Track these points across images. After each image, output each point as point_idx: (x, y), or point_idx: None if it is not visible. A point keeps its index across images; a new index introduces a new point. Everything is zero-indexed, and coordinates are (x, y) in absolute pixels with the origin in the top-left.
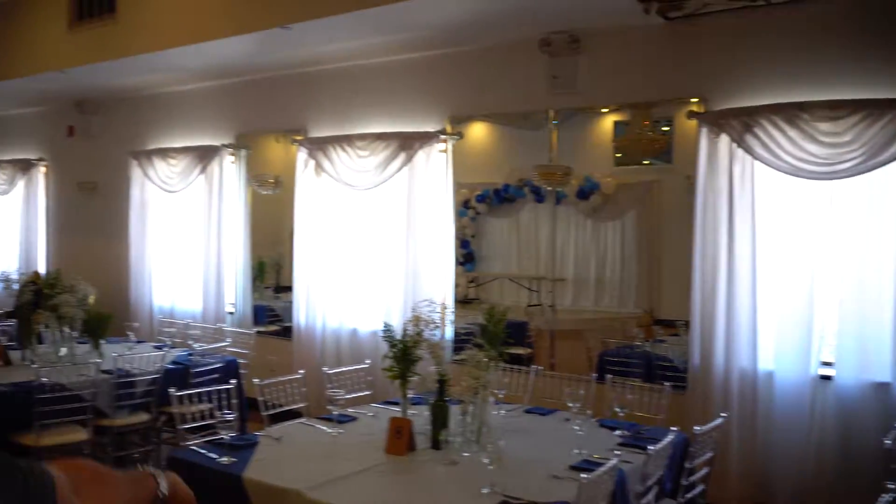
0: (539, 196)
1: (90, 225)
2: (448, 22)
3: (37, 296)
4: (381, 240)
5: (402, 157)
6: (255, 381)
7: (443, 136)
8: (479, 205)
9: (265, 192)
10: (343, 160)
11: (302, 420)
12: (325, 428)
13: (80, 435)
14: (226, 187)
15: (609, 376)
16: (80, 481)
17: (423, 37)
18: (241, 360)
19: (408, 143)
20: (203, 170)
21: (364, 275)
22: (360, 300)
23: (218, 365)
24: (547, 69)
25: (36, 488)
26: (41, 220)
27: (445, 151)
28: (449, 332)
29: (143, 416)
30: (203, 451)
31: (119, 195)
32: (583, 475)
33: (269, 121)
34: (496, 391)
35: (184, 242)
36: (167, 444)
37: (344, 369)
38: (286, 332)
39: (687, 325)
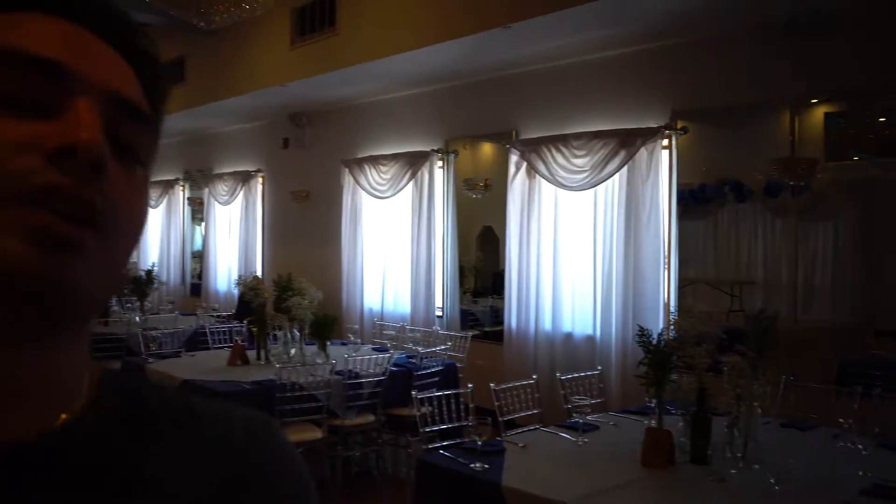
0: (740, 196)
1: (303, 231)
2: (679, 9)
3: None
4: (594, 241)
5: (622, 154)
6: (492, 385)
7: (667, 132)
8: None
9: (475, 196)
10: (558, 161)
11: (540, 427)
12: (567, 436)
13: (316, 433)
14: (435, 192)
15: (877, 390)
16: None
17: (644, 29)
18: (459, 365)
19: (629, 141)
20: (412, 175)
21: (578, 278)
22: (574, 304)
23: (439, 368)
24: (787, 54)
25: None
26: (258, 227)
27: (669, 147)
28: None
29: (369, 418)
30: (451, 455)
31: (331, 202)
32: None
33: (478, 124)
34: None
35: (393, 247)
36: (388, 445)
37: (576, 375)
38: (487, 337)
39: None
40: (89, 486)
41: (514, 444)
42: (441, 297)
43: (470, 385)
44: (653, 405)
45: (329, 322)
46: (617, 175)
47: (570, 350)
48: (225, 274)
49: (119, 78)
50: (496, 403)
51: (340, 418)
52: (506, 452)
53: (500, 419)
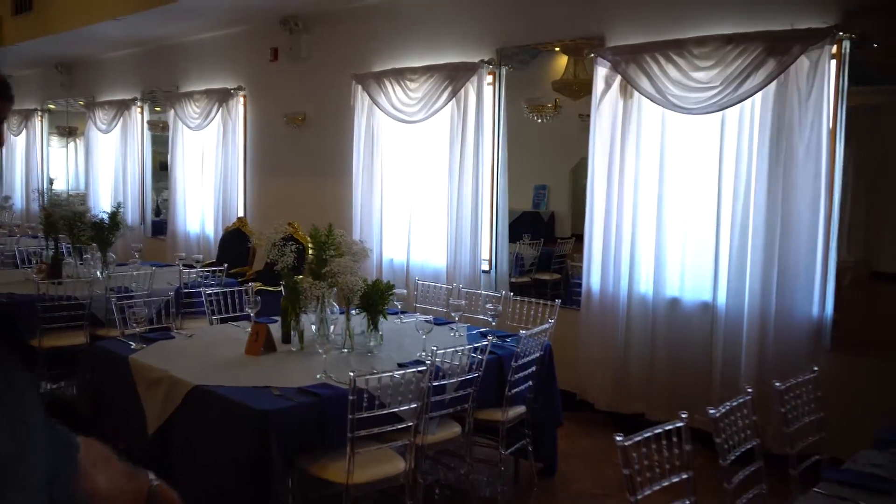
0: None
1: (299, 163)
2: None
3: (297, 259)
4: (719, 180)
5: (769, 65)
6: (710, 411)
7: (839, 35)
8: None
9: (540, 120)
10: (670, 74)
11: (814, 489)
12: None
13: (398, 464)
14: (484, 115)
15: None
16: (95, 457)
17: None
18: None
19: (781, 48)
20: (453, 94)
21: (692, 228)
22: (684, 262)
23: (538, 355)
24: None
25: (66, 447)
26: (240, 157)
27: (838, 56)
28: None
29: (455, 429)
30: None
31: (337, 128)
32: None
33: (545, 28)
34: None
35: (424, 183)
36: (484, 462)
37: (796, 381)
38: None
39: None
40: None
41: None
42: (489, 247)
43: (683, 413)
44: None
45: (384, 291)
46: (759, 94)
47: (678, 320)
48: (197, 213)
49: None
50: (718, 440)
51: (420, 434)
52: None
53: (723, 462)
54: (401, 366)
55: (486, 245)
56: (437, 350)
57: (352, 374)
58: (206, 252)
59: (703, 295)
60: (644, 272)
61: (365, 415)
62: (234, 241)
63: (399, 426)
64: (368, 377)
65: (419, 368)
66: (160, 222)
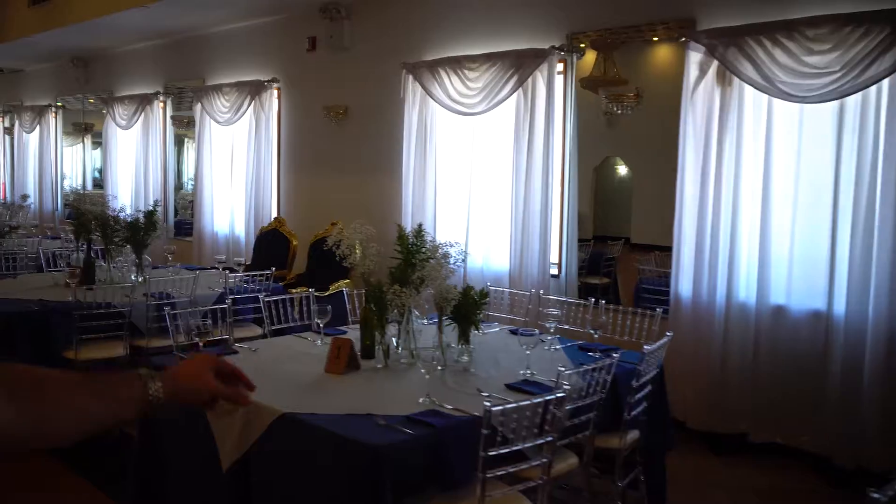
0: None
1: (340, 159)
2: None
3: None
4: (835, 175)
5: None
6: None
7: None
8: None
9: (619, 112)
10: (778, 59)
11: None
12: None
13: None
14: (554, 106)
15: None
16: (17, 387)
17: None
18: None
19: None
20: (519, 83)
21: (801, 229)
22: (791, 266)
23: (655, 372)
24: None
25: None
26: (273, 153)
27: None
28: None
29: (571, 460)
30: None
31: (382, 120)
32: None
33: (624, 10)
34: None
35: (484, 180)
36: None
37: None
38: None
39: None
40: None
41: None
42: (557, 250)
43: None
44: None
45: (477, 300)
46: (887, 79)
47: (784, 331)
48: (225, 213)
49: None
50: None
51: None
52: None
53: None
54: (512, 388)
55: (555, 247)
56: (564, 371)
57: (487, 403)
58: (236, 254)
59: (814, 302)
60: (744, 277)
61: (502, 451)
62: (271, 242)
63: (533, 463)
64: (505, 407)
65: (558, 395)
66: (180, 223)
